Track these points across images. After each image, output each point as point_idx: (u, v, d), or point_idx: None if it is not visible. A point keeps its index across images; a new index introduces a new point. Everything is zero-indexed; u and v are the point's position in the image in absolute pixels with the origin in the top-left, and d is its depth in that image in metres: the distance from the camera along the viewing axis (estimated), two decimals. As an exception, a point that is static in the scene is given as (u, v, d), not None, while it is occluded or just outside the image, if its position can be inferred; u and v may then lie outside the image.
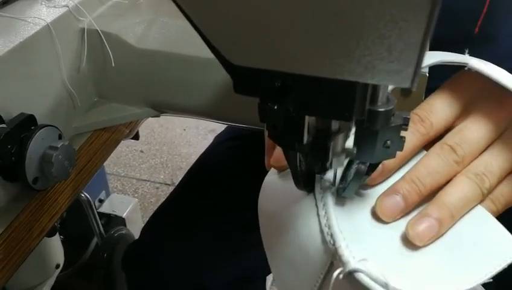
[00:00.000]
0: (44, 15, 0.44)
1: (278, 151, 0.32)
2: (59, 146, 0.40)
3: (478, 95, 0.32)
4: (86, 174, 0.50)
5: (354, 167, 0.27)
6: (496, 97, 0.31)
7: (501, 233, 0.28)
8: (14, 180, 0.40)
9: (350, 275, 0.24)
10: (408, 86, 0.18)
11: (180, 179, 0.73)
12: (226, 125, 0.78)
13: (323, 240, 0.27)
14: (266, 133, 0.35)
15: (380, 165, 0.29)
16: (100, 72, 0.51)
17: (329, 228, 0.27)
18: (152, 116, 0.54)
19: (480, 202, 0.29)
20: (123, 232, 1.05)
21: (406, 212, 0.29)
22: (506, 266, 0.26)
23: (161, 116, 0.55)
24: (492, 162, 0.30)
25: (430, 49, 0.17)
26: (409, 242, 0.27)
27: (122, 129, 0.56)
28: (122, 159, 1.77)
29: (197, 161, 0.73)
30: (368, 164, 0.26)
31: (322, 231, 0.27)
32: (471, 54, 0.32)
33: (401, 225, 0.28)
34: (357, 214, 0.29)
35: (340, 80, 0.18)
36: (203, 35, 0.20)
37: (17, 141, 0.38)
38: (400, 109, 0.25)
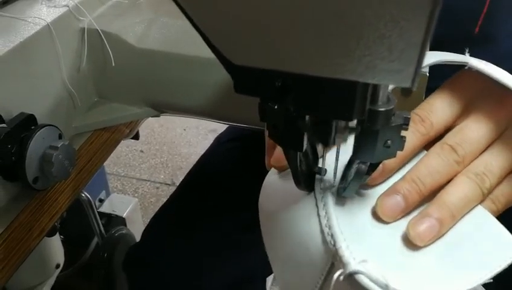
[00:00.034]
0: (44, 15, 0.44)
1: (278, 151, 0.32)
2: (59, 146, 0.40)
3: (478, 94, 0.32)
4: (86, 174, 0.50)
5: (355, 166, 0.27)
6: (496, 97, 0.31)
7: (501, 233, 0.28)
8: (14, 180, 0.40)
9: (350, 277, 0.24)
10: (409, 85, 0.18)
11: (180, 179, 0.73)
12: (226, 126, 0.78)
13: (324, 240, 0.27)
14: (267, 133, 0.35)
15: (381, 165, 0.29)
16: (100, 72, 0.51)
17: (329, 228, 0.27)
18: (152, 116, 0.54)
19: (481, 201, 0.29)
20: (123, 232, 1.05)
21: (406, 212, 0.29)
22: (506, 267, 0.26)
23: (161, 116, 0.55)
24: (493, 162, 0.30)
25: (430, 49, 0.17)
26: (409, 242, 0.27)
27: (123, 129, 0.56)
28: (122, 159, 1.77)
29: (197, 162, 0.73)
30: (368, 163, 0.26)
31: (322, 231, 0.27)
32: (471, 54, 0.32)
33: (401, 224, 0.28)
34: (357, 214, 0.29)
35: (340, 79, 0.18)
36: (203, 35, 0.20)
37: (17, 141, 0.38)
38: (400, 109, 0.25)
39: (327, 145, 0.26)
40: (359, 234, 0.27)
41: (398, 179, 0.30)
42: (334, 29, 0.16)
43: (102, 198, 1.19)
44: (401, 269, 0.26)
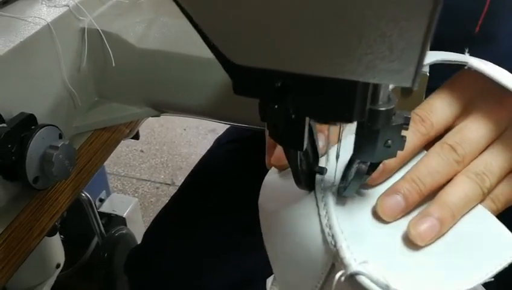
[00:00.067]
0: (44, 15, 0.44)
1: (279, 150, 0.32)
2: (59, 145, 0.40)
3: (478, 94, 0.32)
4: (87, 173, 0.50)
5: (355, 166, 0.27)
6: (496, 97, 0.31)
7: (501, 233, 0.28)
8: (14, 180, 0.40)
9: (351, 278, 0.24)
10: (409, 85, 0.18)
11: (180, 179, 0.73)
12: (226, 128, 0.78)
13: (325, 240, 0.27)
14: (267, 132, 0.35)
15: (381, 165, 0.29)
16: (100, 72, 0.51)
17: (330, 228, 0.27)
18: (152, 116, 0.54)
19: (481, 201, 0.29)
20: (123, 231, 1.05)
21: (406, 212, 0.29)
22: (506, 266, 0.26)
23: (161, 116, 0.55)
24: (493, 161, 0.30)
25: (430, 49, 0.17)
26: (410, 242, 0.27)
27: (123, 129, 0.56)
28: (122, 158, 1.77)
29: (197, 163, 0.73)
30: (368, 163, 0.26)
31: (323, 231, 0.27)
32: (472, 54, 0.32)
33: (402, 224, 0.28)
34: (357, 213, 0.29)
35: (340, 79, 0.18)
36: (203, 35, 0.20)
37: (18, 141, 0.38)
38: (400, 109, 0.25)
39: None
40: (360, 234, 0.27)
41: (398, 179, 0.30)
42: (335, 28, 0.16)
43: (103, 198, 1.19)
44: (401, 269, 0.26)
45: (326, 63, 0.18)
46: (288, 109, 0.22)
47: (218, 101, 0.50)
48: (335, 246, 0.26)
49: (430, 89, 0.34)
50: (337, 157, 0.29)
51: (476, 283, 0.25)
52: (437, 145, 0.30)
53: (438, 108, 0.31)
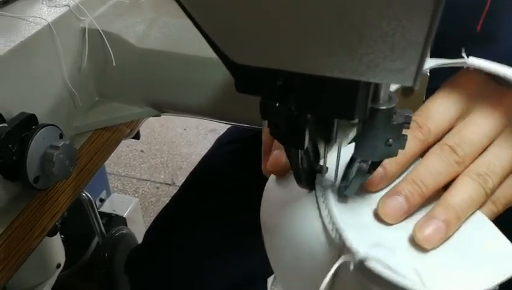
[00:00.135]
0: (45, 14, 0.44)
1: (274, 155, 0.32)
2: (60, 145, 0.40)
3: (476, 96, 0.32)
4: (87, 173, 0.50)
5: (356, 165, 0.27)
6: (494, 96, 0.31)
7: (501, 245, 0.28)
8: (15, 180, 0.40)
9: (361, 265, 0.24)
10: (411, 84, 0.18)
11: (180, 178, 0.74)
12: (227, 127, 0.78)
13: (328, 237, 0.27)
14: (264, 135, 0.35)
15: (382, 170, 0.29)
16: (101, 72, 0.51)
17: (332, 224, 0.27)
18: (153, 116, 0.54)
19: (485, 201, 0.29)
20: (124, 231, 1.05)
21: (408, 213, 0.28)
22: (505, 280, 0.26)
23: (162, 116, 0.55)
24: (495, 161, 0.29)
25: (431, 48, 0.17)
26: (414, 244, 0.27)
27: (123, 129, 0.56)
28: (122, 158, 1.77)
29: (198, 164, 0.73)
30: (369, 162, 0.26)
31: (326, 229, 0.27)
32: (473, 53, 0.32)
33: (404, 226, 0.28)
34: (359, 215, 0.28)
35: (342, 78, 0.18)
36: (205, 34, 0.20)
37: (18, 140, 0.38)
38: (401, 108, 0.25)
39: (329, 142, 0.26)
40: (363, 230, 0.27)
41: (399, 181, 0.30)
42: (336, 28, 0.16)
43: (103, 198, 1.19)
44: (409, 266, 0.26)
45: (328, 62, 0.18)
46: (289, 107, 0.22)
47: (219, 101, 0.50)
48: (340, 238, 0.26)
49: (431, 90, 0.34)
50: (338, 156, 0.29)
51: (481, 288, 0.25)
52: (437, 146, 0.30)
53: (436, 113, 0.31)
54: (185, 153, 1.78)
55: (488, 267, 0.26)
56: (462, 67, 0.32)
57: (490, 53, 0.35)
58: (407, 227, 0.28)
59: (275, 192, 0.33)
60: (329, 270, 0.26)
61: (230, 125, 0.76)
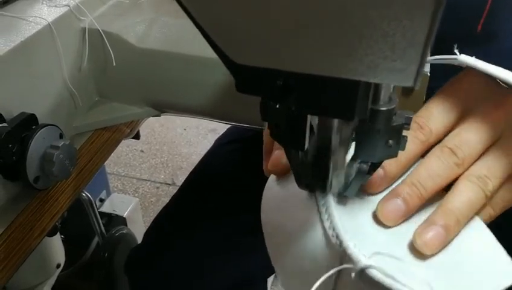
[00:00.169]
0: (45, 14, 0.44)
1: (275, 155, 0.32)
2: (60, 145, 0.40)
3: (477, 97, 0.32)
4: (87, 173, 0.50)
5: (356, 166, 0.27)
6: (494, 98, 0.31)
7: (498, 256, 0.27)
8: (15, 180, 0.40)
9: (362, 273, 0.24)
10: (411, 84, 0.18)
11: (180, 178, 0.74)
12: (227, 127, 0.78)
13: (329, 243, 0.26)
14: (265, 136, 0.35)
15: (382, 171, 0.29)
16: (101, 72, 0.51)
17: (333, 229, 0.26)
18: (153, 116, 0.54)
19: (485, 204, 0.29)
20: (124, 231, 1.05)
21: (407, 216, 0.28)
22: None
23: (162, 116, 0.55)
24: (495, 164, 0.29)
25: (432, 48, 0.17)
26: (414, 250, 0.27)
27: (123, 129, 0.56)
28: (122, 158, 1.77)
29: (198, 164, 0.73)
30: (369, 163, 0.26)
31: (326, 235, 0.27)
32: (474, 53, 0.32)
33: (403, 230, 0.28)
34: (359, 217, 0.28)
35: (342, 78, 0.18)
36: (205, 34, 0.19)
37: (18, 140, 0.38)
38: (401, 108, 0.24)
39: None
40: (363, 235, 0.27)
41: (398, 183, 0.30)
42: (337, 28, 0.16)
43: (103, 198, 1.19)
44: (408, 272, 0.26)
45: (328, 63, 0.18)
46: (289, 108, 0.22)
47: (219, 101, 0.50)
48: (341, 245, 0.26)
49: (431, 89, 0.34)
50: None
51: None
52: (437, 148, 0.30)
53: (436, 114, 0.31)
54: (185, 153, 1.78)
55: (484, 279, 0.26)
56: (464, 67, 0.32)
57: (491, 53, 0.35)
58: (407, 231, 0.28)
59: (275, 191, 0.33)
60: (331, 277, 0.26)
61: (230, 125, 0.76)
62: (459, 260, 0.27)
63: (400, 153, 0.25)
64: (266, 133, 0.35)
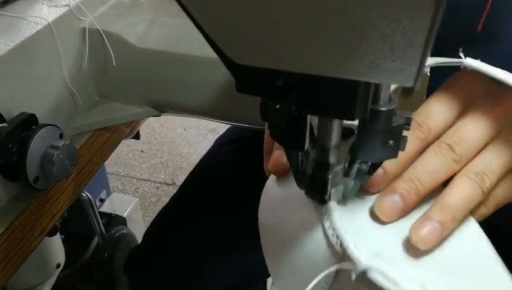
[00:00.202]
0: (45, 14, 0.44)
1: (276, 155, 0.32)
2: (60, 145, 0.40)
3: (475, 95, 0.32)
4: (87, 173, 0.50)
5: (356, 166, 0.27)
6: (494, 96, 0.31)
7: (494, 268, 0.27)
8: (15, 180, 0.40)
9: (362, 275, 0.24)
10: (411, 85, 0.18)
11: (180, 178, 0.74)
12: (227, 127, 0.78)
13: (329, 244, 0.26)
14: (266, 136, 0.35)
15: (382, 171, 0.29)
16: (101, 72, 0.51)
17: (333, 229, 0.26)
18: (153, 116, 0.54)
19: (481, 200, 0.29)
20: (124, 231, 1.05)
21: (405, 212, 0.28)
22: None
23: (162, 116, 0.56)
24: (492, 160, 0.29)
25: (432, 48, 0.17)
26: (413, 252, 0.27)
27: (123, 129, 0.56)
28: (122, 158, 1.77)
29: (198, 164, 0.73)
30: (369, 163, 0.26)
31: (326, 235, 0.27)
32: (474, 53, 0.32)
33: (402, 229, 0.28)
34: (358, 215, 0.28)
35: (342, 79, 0.18)
36: (205, 34, 0.19)
37: (18, 140, 0.38)
38: (401, 109, 0.24)
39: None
40: (362, 235, 0.27)
41: (396, 179, 0.30)
42: (336, 28, 0.16)
43: (103, 198, 1.19)
44: (406, 271, 0.26)
45: (328, 63, 0.18)
46: (289, 108, 0.22)
47: (219, 101, 0.50)
48: (341, 246, 0.25)
49: (431, 89, 0.34)
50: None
51: None
52: (435, 144, 0.30)
53: (435, 112, 0.31)
54: (185, 153, 1.78)
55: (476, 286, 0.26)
56: (462, 67, 0.32)
57: (491, 53, 0.35)
58: (406, 230, 0.28)
59: (275, 192, 0.33)
60: (329, 276, 0.26)
61: (230, 126, 0.76)
62: (456, 265, 0.27)
63: (400, 151, 0.25)
64: (267, 133, 0.35)
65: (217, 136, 0.79)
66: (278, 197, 0.33)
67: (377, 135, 0.24)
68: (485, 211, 0.30)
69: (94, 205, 0.98)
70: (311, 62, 0.19)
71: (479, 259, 0.27)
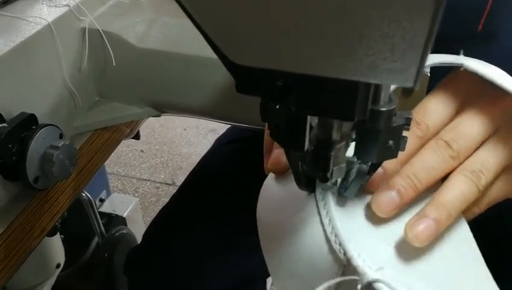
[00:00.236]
0: (45, 14, 0.44)
1: (275, 154, 0.32)
2: (60, 145, 0.40)
3: (473, 93, 0.32)
4: (87, 173, 0.50)
5: (356, 166, 0.27)
6: (491, 94, 0.31)
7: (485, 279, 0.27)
8: (15, 180, 0.40)
9: (368, 286, 0.24)
10: (411, 85, 0.18)
11: (180, 178, 0.74)
12: (227, 127, 0.78)
13: (331, 250, 0.26)
14: (266, 135, 0.35)
15: (381, 170, 0.29)
16: (101, 72, 0.51)
17: (336, 236, 0.26)
18: (153, 116, 0.54)
19: (477, 198, 0.29)
20: (124, 231, 1.05)
21: (401, 208, 0.28)
22: None
23: (162, 116, 0.55)
24: (489, 158, 0.29)
25: (432, 48, 0.17)
26: (409, 246, 0.27)
27: (123, 129, 0.56)
28: (122, 158, 1.77)
29: (197, 164, 0.73)
30: (369, 163, 0.26)
31: (328, 240, 0.27)
32: (474, 53, 0.32)
33: (400, 227, 0.28)
34: (357, 216, 0.28)
35: (342, 79, 0.18)
36: (205, 34, 0.19)
37: (18, 140, 0.38)
38: (401, 109, 0.24)
39: (326, 180, 0.26)
40: (363, 239, 0.27)
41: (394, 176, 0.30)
42: (337, 28, 0.16)
43: (103, 198, 1.19)
44: (413, 275, 0.26)
45: (328, 63, 0.18)
46: (289, 108, 0.22)
47: (219, 101, 0.50)
48: (345, 254, 0.25)
49: (431, 89, 0.34)
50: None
51: None
52: (432, 141, 0.30)
53: (433, 110, 0.31)
54: (185, 153, 1.78)
55: None
56: (462, 68, 0.32)
57: (492, 52, 0.35)
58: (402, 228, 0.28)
59: (274, 190, 0.33)
60: (332, 280, 0.26)
61: (230, 126, 0.76)
62: (453, 274, 0.27)
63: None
64: (267, 131, 0.35)
65: (217, 136, 0.79)
66: (277, 195, 0.33)
67: (377, 136, 0.24)
68: (477, 210, 0.30)
69: (94, 205, 0.98)
70: (311, 62, 0.18)
71: (471, 270, 0.27)
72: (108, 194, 1.22)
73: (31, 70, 0.42)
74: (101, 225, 1.01)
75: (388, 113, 0.23)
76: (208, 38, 0.20)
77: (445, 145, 0.29)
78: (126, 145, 1.80)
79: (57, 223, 0.61)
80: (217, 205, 0.65)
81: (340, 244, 0.26)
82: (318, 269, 0.27)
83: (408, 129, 0.25)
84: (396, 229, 0.28)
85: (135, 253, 0.70)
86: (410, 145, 0.30)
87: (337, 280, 0.25)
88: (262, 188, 0.34)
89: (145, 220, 1.31)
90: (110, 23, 0.49)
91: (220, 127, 1.42)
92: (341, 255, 0.26)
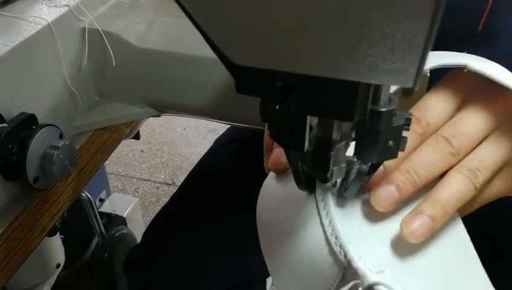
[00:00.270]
0: (45, 14, 0.44)
1: (275, 153, 0.32)
2: (60, 145, 0.40)
3: (473, 90, 0.32)
4: (87, 173, 0.50)
5: (356, 167, 0.27)
6: (492, 91, 0.31)
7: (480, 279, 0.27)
8: (15, 180, 0.40)
9: (369, 289, 0.24)
10: (411, 85, 0.18)
11: (180, 178, 0.74)
12: (227, 127, 0.78)
13: (331, 251, 0.26)
14: (266, 135, 0.35)
15: (382, 168, 0.29)
16: (101, 72, 0.51)
17: (336, 238, 0.26)
18: (153, 116, 0.54)
19: (473, 196, 0.29)
20: (124, 231, 1.05)
21: (400, 203, 0.28)
22: None
23: (162, 116, 0.56)
24: (487, 156, 0.29)
25: (432, 48, 0.17)
26: (408, 245, 0.27)
27: (123, 129, 0.56)
28: (122, 158, 1.77)
29: (197, 164, 0.73)
30: (369, 164, 0.26)
31: (328, 241, 0.27)
32: (474, 53, 0.32)
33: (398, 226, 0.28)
34: (359, 222, 0.28)
35: (342, 79, 0.18)
36: (205, 34, 0.19)
37: (18, 140, 0.38)
38: (401, 109, 0.24)
39: (326, 180, 0.26)
40: (363, 240, 0.27)
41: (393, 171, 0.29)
42: (337, 29, 0.16)
43: (103, 198, 1.19)
44: (412, 275, 0.26)
45: (328, 63, 0.18)
46: (289, 109, 0.22)
47: (219, 101, 0.50)
48: (345, 256, 0.25)
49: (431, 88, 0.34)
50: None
51: None
52: (432, 137, 0.30)
53: (433, 107, 0.31)
54: (185, 153, 1.78)
55: None
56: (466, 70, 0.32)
57: (492, 52, 0.35)
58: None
59: (274, 188, 0.33)
60: (331, 284, 0.25)
61: (229, 126, 0.76)
62: (448, 273, 0.27)
63: None
64: (267, 131, 0.35)
65: (217, 136, 0.79)
66: (277, 194, 0.33)
67: (377, 136, 0.24)
68: (470, 208, 0.30)
69: (94, 205, 0.98)
70: (311, 63, 0.18)
71: (466, 269, 0.27)
72: (108, 194, 1.22)
73: (31, 70, 0.42)
74: (101, 225, 1.01)
75: (388, 113, 0.23)
76: (207, 38, 0.20)
77: (445, 141, 0.29)
78: (126, 145, 1.80)
79: (57, 223, 0.61)
80: (216, 205, 0.65)
81: (340, 246, 0.26)
82: (318, 270, 0.27)
83: (408, 129, 0.25)
84: (396, 229, 0.28)
85: (135, 253, 0.70)
86: (411, 142, 0.30)
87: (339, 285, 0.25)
88: (262, 187, 0.34)
89: (145, 220, 1.31)
90: (110, 23, 0.49)
91: (220, 127, 1.42)
92: (341, 257, 0.26)
